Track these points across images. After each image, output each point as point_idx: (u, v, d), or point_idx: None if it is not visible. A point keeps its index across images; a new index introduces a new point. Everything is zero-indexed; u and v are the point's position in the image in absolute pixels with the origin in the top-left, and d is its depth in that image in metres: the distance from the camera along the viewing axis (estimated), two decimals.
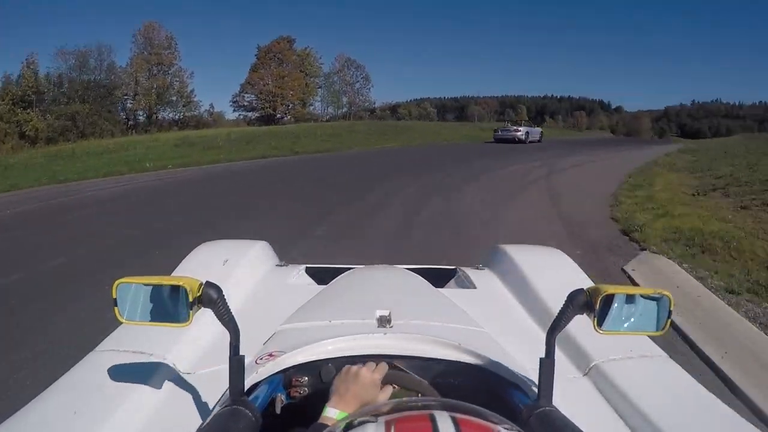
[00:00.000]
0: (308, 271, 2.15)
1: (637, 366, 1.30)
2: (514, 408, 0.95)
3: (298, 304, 1.48)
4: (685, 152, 23.66)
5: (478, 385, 1.06)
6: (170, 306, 0.91)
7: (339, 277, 1.82)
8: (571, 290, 0.94)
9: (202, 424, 0.91)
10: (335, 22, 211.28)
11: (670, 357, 1.39)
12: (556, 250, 2.26)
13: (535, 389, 0.96)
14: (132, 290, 0.93)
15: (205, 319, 1.05)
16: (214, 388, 1.11)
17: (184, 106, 45.14)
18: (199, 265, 1.90)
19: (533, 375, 0.98)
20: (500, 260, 2.11)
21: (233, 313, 0.94)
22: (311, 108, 53.80)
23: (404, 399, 0.95)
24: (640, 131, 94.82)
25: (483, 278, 2.02)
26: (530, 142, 28.91)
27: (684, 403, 1.17)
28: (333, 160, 17.43)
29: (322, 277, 2.00)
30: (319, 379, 1.06)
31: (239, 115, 52.20)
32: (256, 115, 50.06)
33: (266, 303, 1.74)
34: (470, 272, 2.09)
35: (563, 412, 0.90)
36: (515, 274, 1.91)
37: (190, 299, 0.88)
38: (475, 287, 1.92)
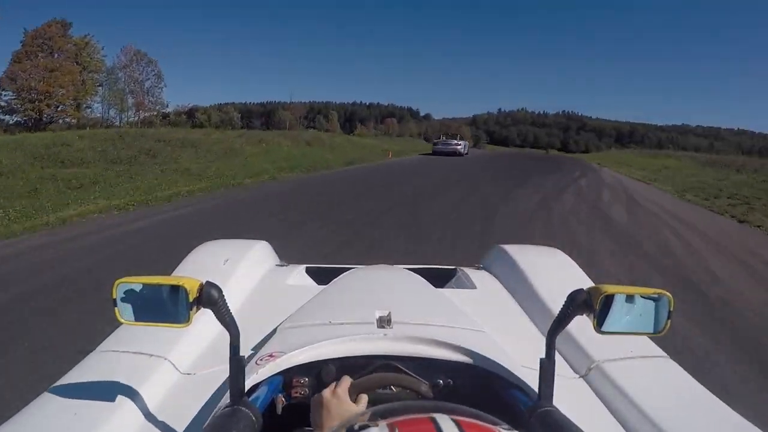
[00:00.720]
0: (308, 271, 2.15)
1: (638, 366, 1.29)
2: (515, 408, 0.95)
3: (298, 305, 1.46)
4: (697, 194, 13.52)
5: (478, 385, 1.06)
6: (170, 306, 0.90)
7: (339, 277, 1.80)
8: (571, 290, 0.93)
9: (203, 424, 0.91)
10: (123, 10, 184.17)
11: (670, 357, 1.36)
12: (557, 250, 2.23)
13: (536, 390, 0.95)
14: (132, 290, 0.92)
15: (205, 319, 1.04)
16: (215, 389, 1.13)
17: None
18: (199, 265, 1.89)
19: (533, 375, 0.97)
20: (500, 260, 2.11)
21: (233, 314, 0.93)
22: (89, 110, 42.42)
23: (402, 402, 0.93)
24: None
25: (483, 278, 2.03)
26: (465, 154, 28.95)
27: (684, 404, 1.16)
28: None
29: (322, 277, 2.00)
30: (319, 380, 1.05)
31: None
32: (18, 119, 37.20)
33: (266, 303, 1.73)
34: (470, 272, 2.10)
35: (564, 412, 0.90)
36: (515, 274, 1.91)
37: (190, 299, 0.87)
38: (475, 287, 1.92)
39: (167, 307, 0.90)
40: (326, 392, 0.96)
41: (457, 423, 0.57)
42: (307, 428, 0.99)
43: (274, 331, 1.31)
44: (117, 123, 42.02)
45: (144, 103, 44.88)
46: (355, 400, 0.96)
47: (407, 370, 1.05)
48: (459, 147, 28.85)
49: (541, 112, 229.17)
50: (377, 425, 0.59)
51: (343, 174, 16.83)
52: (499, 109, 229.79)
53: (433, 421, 0.58)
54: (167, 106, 49.02)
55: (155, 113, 45.91)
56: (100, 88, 42.63)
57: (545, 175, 18.82)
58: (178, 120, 50.83)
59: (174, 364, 1.27)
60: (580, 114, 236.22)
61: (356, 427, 0.61)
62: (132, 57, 44.63)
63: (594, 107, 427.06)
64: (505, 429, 0.60)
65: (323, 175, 16.00)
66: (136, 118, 43.61)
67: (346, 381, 0.99)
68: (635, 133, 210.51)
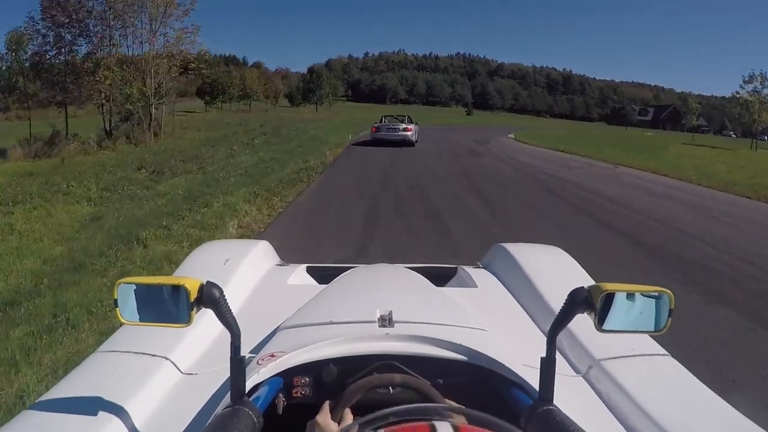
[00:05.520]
0: (309, 270, 2.14)
1: (639, 364, 1.29)
2: (516, 407, 0.95)
3: (299, 304, 1.46)
4: None
5: (479, 384, 1.06)
6: (171, 306, 0.90)
7: (340, 276, 1.79)
8: (572, 289, 0.93)
9: (204, 424, 0.91)
10: None
11: (671, 354, 1.37)
12: (557, 248, 2.21)
13: (536, 388, 0.95)
14: (133, 291, 0.92)
15: (206, 319, 1.05)
16: (216, 389, 1.14)
17: None
18: (200, 265, 1.89)
19: (534, 374, 0.97)
20: (501, 259, 2.10)
21: (234, 314, 0.93)
22: None
23: (403, 407, 0.85)
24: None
25: (484, 277, 2.01)
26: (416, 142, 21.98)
27: (685, 402, 1.16)
28: None
29: (322, 276, 1.99)
30: (320, 380, 1.06)
31: None
32: None
33: (267, 303, 1.73)
34: (471, 271, 2.08)
35: (564, 411, 0.90)
36: (516, 273, 1.90)
37: (191, 299, 0.87)
38: (476, 286, 1.91)
39: (168, 307, 0.90)
40: (312, 424, 0.95)
41: (456, 429, 0.56)
42: None
43: (275, 330, 1.30)
44: None
45: None
46: (340, 419, 0.96)
47: (408, 370, 1.04)
48: (408, 134, 21.20)
49: (429, 54, 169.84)
50: None
51: None
52: (366, 53, 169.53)
53: (432, 428, 0.56)
54: None
55: None
56: None
57: None
58: None
59: (175, 364, 1.27)
60: (484, 57, 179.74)
61: None
62: None
63: (495, 50, 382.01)
64: None
65: None
66: None
67: (325, 407, 0.98)
68: (570, 81, 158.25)
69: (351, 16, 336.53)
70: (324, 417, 0.95)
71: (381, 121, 22.98)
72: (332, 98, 71.95)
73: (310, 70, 74.88)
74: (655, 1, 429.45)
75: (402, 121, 22.40)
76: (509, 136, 33.61)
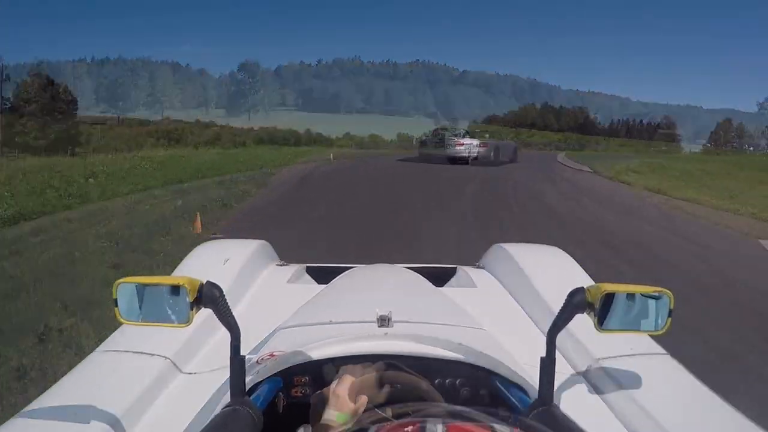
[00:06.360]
0: (309, 270, 2.14)
1: (638, 364, 1.29)
2: (515, 407, 0.96)
3: (299, 304, 1.45)
4: None
5: (479, 384, 1.06)
6: (171, 306, 0.90)
7: (339, 276, 1.79)
8: (572, 289, 0.93)
9: (204, 424, 0.90)
10: None
11: (671, 354, 1.36)
12: (556, 248, 2.19)
13: (536, 388, 0.95)
14: (132, 290, 0.92)
15: (205, 319, 1.05)
16: (215, 389, 1.13)
17: None
18: (199, 265, 1.87)
19: (534, 374, 0.97)
20: (500, 259, 2.09)
21: (234, 313, 0.93)
22: None
23: (465, 407, 0.81)
24: None
25: (483, 277, 2.02)
26: (474, 158, 19.04)
27: (684, 402, 1.16)
28: None
29: (322, 276, 1.99)
30: (320, 380, 1.05)
31: None
32: None
33: (267, 303, 1.72)
34: (470, 271, 2.09)
35: (564, 410, 0.90)
36: (515, 273, 1.89)
37: (191, 299, 0.87)
38: (475, 286, 1.91)
39: (168, 307, 0.89)
40: (327, 391, 0.94)
41: (446, 429, 0.57)
42: (307, 425, 0.95)
43: (275, 330, 1.30)
44: None
45: None
46: (354, 400, 0.94)
47: (408, 369, 1.03)
48: (461, 148, 18.79)
49: (386, 61, 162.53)
50: (436, 430, 0.58)
51: None
52: (319, 60, 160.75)
53: (493, 430, 0.57)
54: None
55: None
56: None
57: None
58: None
59: (175, 364, 1.26)
60: (446, 64, 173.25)
61: (425, 425, 0.59)
62: None
63: (456, 58, 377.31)
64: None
65: None
66: None
67: (347, 380, 0.96)
68: (538, 89, 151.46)
69: (303, 22, 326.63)
70: (343, 389, 0.92)
71: (435, 135, 20.56)
72: (269, 107, 58.25)
73: (242, 67, 61.47)
74: (608, 9, 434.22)
75: (455, 135, 19.88)
76: (594, 172, 18.50)
